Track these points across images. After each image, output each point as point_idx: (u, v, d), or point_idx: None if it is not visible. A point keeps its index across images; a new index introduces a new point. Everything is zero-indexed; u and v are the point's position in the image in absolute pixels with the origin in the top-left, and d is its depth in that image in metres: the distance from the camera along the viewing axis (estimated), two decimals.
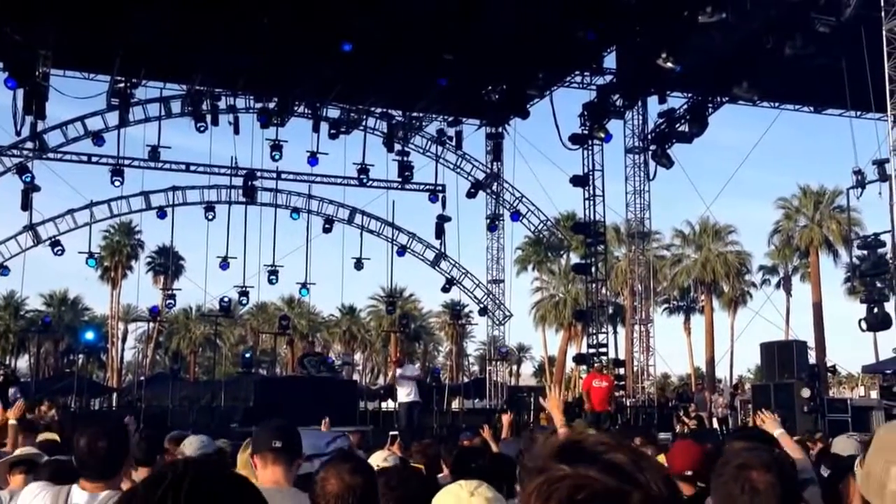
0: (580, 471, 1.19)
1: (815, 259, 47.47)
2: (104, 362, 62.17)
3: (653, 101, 25.80)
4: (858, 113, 25.34)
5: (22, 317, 62.77)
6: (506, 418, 9.84)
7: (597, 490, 1.17)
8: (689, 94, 25.28)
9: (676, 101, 25.59)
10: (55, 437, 7.97)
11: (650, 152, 26.10)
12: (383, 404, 30.56)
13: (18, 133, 22.46)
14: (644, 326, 27.20)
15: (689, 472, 4.67)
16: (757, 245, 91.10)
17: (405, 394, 17.48)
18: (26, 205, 25.82)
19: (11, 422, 7.27)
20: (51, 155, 26.18)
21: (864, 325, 19.76)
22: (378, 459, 4.96)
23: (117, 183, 26.16)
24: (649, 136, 26.38)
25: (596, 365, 23.07)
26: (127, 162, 26.51)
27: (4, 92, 20.79)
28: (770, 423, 5.32)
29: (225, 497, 1.39)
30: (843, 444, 6.14)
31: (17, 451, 5.86)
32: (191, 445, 5.77)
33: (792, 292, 54.19)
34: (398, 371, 18.02)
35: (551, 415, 6.02)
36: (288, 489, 3.50)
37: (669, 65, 19.98)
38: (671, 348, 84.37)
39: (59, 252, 27.03)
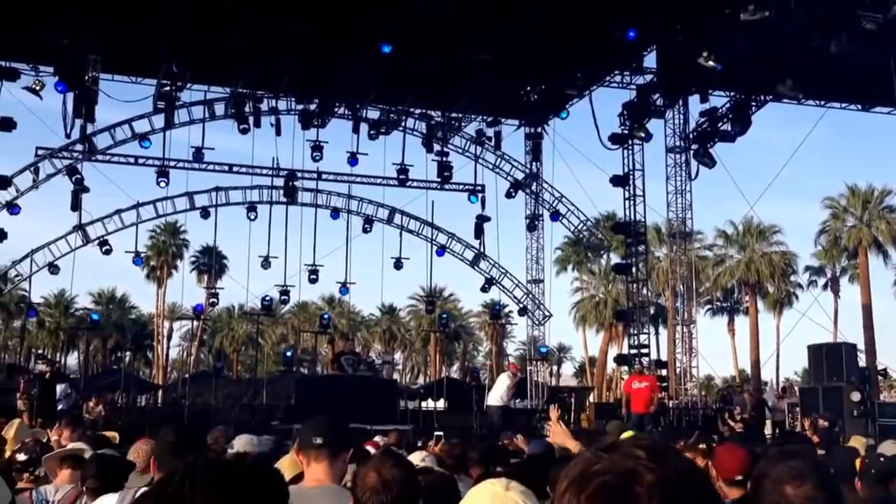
0: (600, 456, 1.29)
1: (863, 260, 46.64)
2: (150, 359, 63.18)
3: (694, 99, 25.54)
4: None
5: (72, 315, 64.07)
6: (553, 413, 9.58)
7: (614, 470, 1.25)
8: (732, 93, 24.99)
9: (719, 99, 25.30)
10: (115, 434, 8.15)
11: (692, 151, 25.85)
12: (423, 404, 30.71)
13: (68, 135, 22.91)
14: (686, 327, 26.95)
15: (740, 477, 4.54)
16: (803, 245, 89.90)
17: (500, 397, 17.78)
18: (76, 205, 26.40)
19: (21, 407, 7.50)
20: (99, 157, 26.70)
21: None
22: (416, 460, 4.99)
23: (163, 184, 26.66)
24: (691, 136, 26.13)
25: (637, 367, 22.93)
26: (172, 163, 26.98)
27: (55, 96, 21.27)
28: None
29: (234, 481, 1.47)
30: (891, 448, 6.05)
31: (68, 447, 6.03)
32: (241, 445, 5.90)
33: (840, 293, 53.38)
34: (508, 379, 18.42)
35: (564, 443, 5.83)
36: (329, 487, 3.52)
37: (711, 63, 19.78)
38: (715, 350, 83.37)
39: (107, 251, 27.57)
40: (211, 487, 1.44)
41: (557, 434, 5.87)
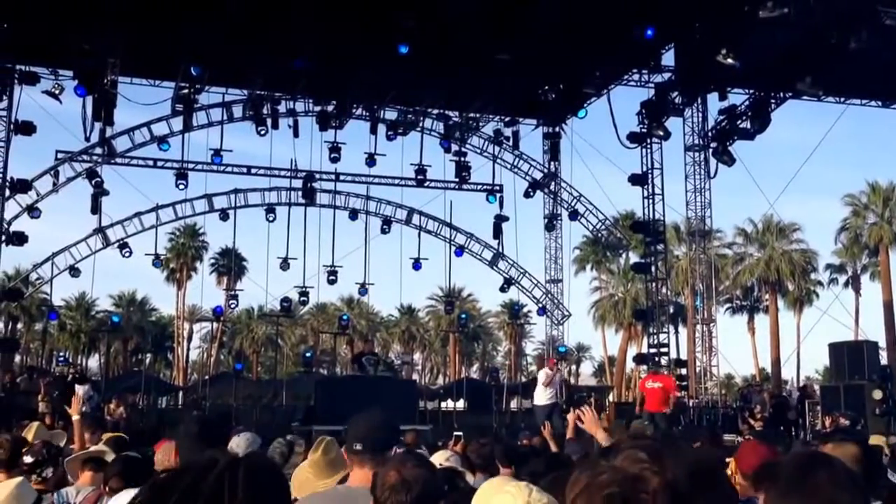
0: (605, 465, 1.29)
1: (885, 257, 46.25)
2: (171, 361, 63.56)
3: (713, 97, 25.38)
4: None
5: (92, 317, 64.48)
6: (571, 417, 9.47)
7: (620, 478, 1.26)
8: (751, 91, 24.83)
9: (737, 97, 25.14)
10: (122, 435, 8.20)
11: (711, 150, 25.71)
12: (443, 404, 30.73)
13: (88, 139, 23.06)
14: (706, 326, 26.82)
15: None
16: (823, 243, 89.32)
17: (547, 396, 17.70)
18: (96, 208, 26.59)
19: (75, 417, 7.52)
20: (119, 160, 26.88)
21: None
22: (440, 459, 4.98)
23: (182, 186, 26.79)
24: (710, 134, 26.00)
25: (652, 366, 22.82)
26: (191, 166, 27.12)
27: (75, 99, 21.43)
28: None
29: (273, 482, 1.47)
30: None
31: (90, 449, 6.06)
32: (239, 446, 5.90)
33: (861, 291, 52.93)
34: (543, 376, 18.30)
35: (595, 433, 5.93)
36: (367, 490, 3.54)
37: (730, 61, 19.66)
38: (735, 349, 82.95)
39: (128, 254, 27.74)
40: (252, 487, 1.44)
41: (591, 422, 5.95)
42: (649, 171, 25.50)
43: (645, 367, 25.24)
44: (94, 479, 5.13)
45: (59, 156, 26.12)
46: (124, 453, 5.29)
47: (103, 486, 4.77)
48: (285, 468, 4.78)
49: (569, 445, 7.23)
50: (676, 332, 28.08)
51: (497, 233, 29.99)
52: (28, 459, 5.15)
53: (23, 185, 23.95)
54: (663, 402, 18.64)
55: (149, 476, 4.53)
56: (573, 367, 66.11)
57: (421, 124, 27.64)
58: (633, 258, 36.83)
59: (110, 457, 5.39)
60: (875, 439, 9.22)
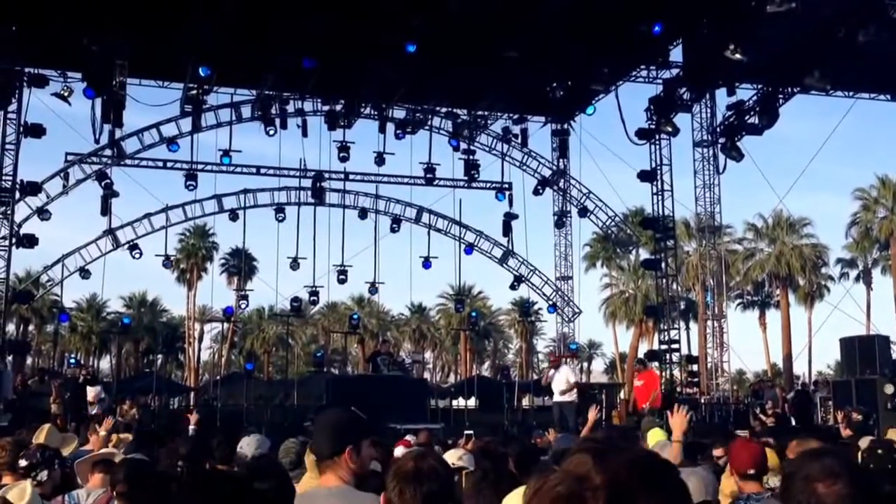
0: (555, 469, 1.40)
1: (895, 250, 46.05)
2: (182, 362, 63.73)
3: (721, 93, 25.30)
4: None
5: (103, 318, 64.74)
6: (592, 414, 9.29)
7: (566, 479, 1.35)
8: (759, 85, 24.74)
9: (745, 92, 25.06)
10: (128, 436, 8.23)
11: (719, 145, 25.65)
12: (454, 403, 30.72)
13: (97, 141, 23.10)
14: (717, 322, 26.77)
15: (752, 471, 4.60)
16: (833, 237, 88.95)
17: (562, 393, 17.71)
18: (105, 210, 26.69)
19: (102, 433, 7.55)
20: (128, 161, 26.98)
21: None
22: (453, 458, 4.96)
23: (191, 187, 26.86)
24: (718, 129, 25.93)
25: (637, 365, 22.80)
26: (200, 166, 27.18)
27: (84, 101, 21.47)
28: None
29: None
30: None
31: (100, 451, 6.08)
32: (249, 446, 5.91)
33: (872, 285, 52.69)
34: (552, 373, 18.28)
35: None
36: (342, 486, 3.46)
37: (737, 56, 19.57)
38: (747, 344, 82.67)
39: (138, 255, 27.81)
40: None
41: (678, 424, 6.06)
42: (658, 168, 25.43)
43: (657, 363, 25.20)
44: (105, 481, 5.14)
45: (69, 158, 26.24)
46: (129, 456, 5.29)
47: (110, 488, 4.77)
48: (299, 468, 4.79)
49: (560, 439, 7.22)
50: (687, 328, 28.05)
51: (507, 230, 29.98)
52: (23, 463, 5.13)
53: (33, 188, 24.04)
54: (645, 400, 18.80)
55: (154, 479, 4.54)
56: (584, 365, 66.06)
57: (429, 123, 27.65)
58: (644, 254, 36.79)
59: (119, 459, 5.41)
60: (891, 433, 9.19)
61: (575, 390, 18.09)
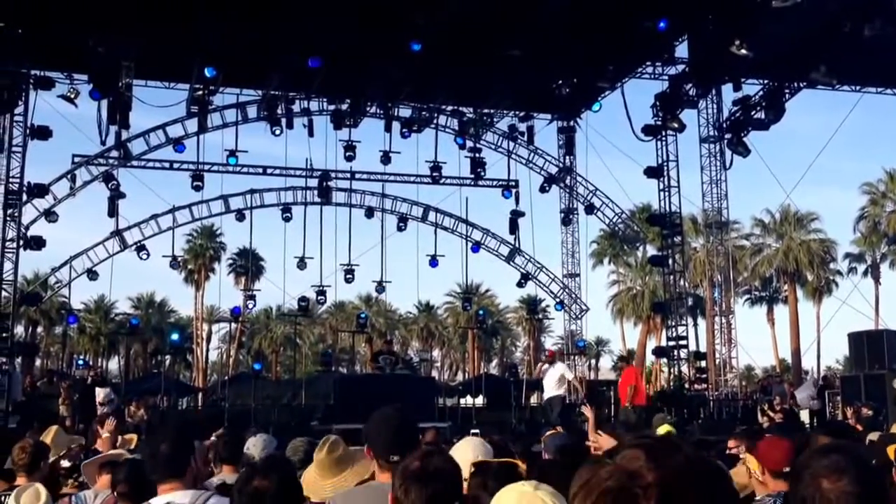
0: (606, 462, 1.36)
1: None
2: (190, 363, 63.87)
3: (727, 88, 25.24)
4: None
5: (111, 320, 64.96)
6: (589, 412, 9.27)
7: (617, 474, 1.33)
8: (765, 81, 24.67)
9: (752, 87, 24.98)
10: (133, 437, 8.25)
11: (726, 141, 25.60)
12: (462, 401, 30.72)
13: (104, 142, 23.16)
14: (725, 318, 26.69)
15: (788, 469, 4.42)
16: (841, 232, 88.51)
17: (552, 388, 17.86)
18: (112, 211, 26.76)
19: (105, 434, 7.57)
20: (134, 162, 27.01)
21: None
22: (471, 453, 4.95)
23: (198, 187, 26.90)
24: (724, 125, 25.87)
25: (619, 363, 23.02)
26: (206, 167, 27.23)
27: (90, 103, 21.55)
28: None
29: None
30: None
31: (108, 453, 6.09)
32: (255, 447, 5.91)
33: (881, 280, 52.53)
34: (545, 367, 18.44)
35: (606, 447, 5.83)
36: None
37: (743, 52, 19.53)
38: (755, 340, 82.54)
39: (145, 256, 27.85)
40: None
41: (600, 441, 5.95)
42: (665, 164, 25.37)
43: (665, 360, 25.19)
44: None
45: (76, 160, 26.30)
46: (131, 457, 5.30)
47: (112, 490, 4.76)
48: (307, 466, 4.81)
49: (551, 438, 7.18)
50: (695, 324, 27.85)
51: (513, 228, 29.97)
52: (66, 464, 5.18)
53: (40, 190, 24.07)
54: (625, 397, 19.10)
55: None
56: (592, 362, 66.01)
57: (435, 121, 27.64)
58: (651, 251, 36.76)
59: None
60: None
61: (564, 385, 18.31)
